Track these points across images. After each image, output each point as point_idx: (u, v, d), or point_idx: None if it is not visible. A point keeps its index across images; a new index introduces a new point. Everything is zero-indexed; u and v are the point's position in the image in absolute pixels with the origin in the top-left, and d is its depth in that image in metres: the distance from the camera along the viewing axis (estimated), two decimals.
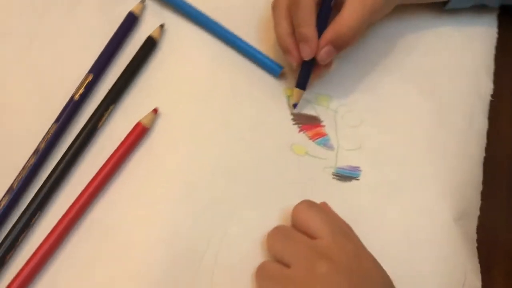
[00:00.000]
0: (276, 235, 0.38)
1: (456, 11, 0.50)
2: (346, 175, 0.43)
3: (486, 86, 0.47)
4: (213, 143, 0.44)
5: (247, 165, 0.43)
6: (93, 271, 0.39)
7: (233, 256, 0.40)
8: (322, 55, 0.42)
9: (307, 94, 0.45)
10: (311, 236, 0.37)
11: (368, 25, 0.43)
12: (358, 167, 0.44)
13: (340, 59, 0.46)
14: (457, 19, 0.50)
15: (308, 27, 0.41)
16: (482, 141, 0.46)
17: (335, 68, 0.47)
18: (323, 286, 0.34)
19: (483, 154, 0.45)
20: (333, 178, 0.43)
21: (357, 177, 0.43)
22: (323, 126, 0.45)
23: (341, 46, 0.42)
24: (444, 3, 0.49)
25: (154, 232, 0.40)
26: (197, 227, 0.40)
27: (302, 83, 0.44)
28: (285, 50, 0.44)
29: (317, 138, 0.45)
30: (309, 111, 0.46)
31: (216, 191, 0.42)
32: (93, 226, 0.41)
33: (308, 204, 0.39)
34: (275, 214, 0.41)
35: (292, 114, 0.45)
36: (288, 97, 0.46)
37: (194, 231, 0.40)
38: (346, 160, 0.44)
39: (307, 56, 0.42)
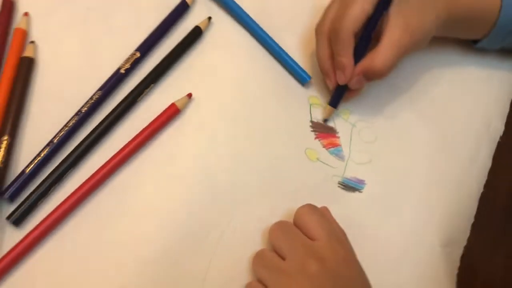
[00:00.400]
0: (279, 228, 0.42)
1: (483, 51, 0.52)
2: (351, 186, 0.47)
3: (496, 127, 0.50)
4: (235, 134, 0.47)
5: (263, 160, 0.46)
6: (110, 229, 0.42)
7: (236, 239, 0.43)
8: (354, 82, 0.46)
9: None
10: (310, 237, 0.40)
11: (403, 58, 0.46)
12: (364, 181, 0.47)
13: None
14: (483, 58, 0.53)
15: (345, 57, 0.45)
16: (482, 177, 0.49)
17: None
18: (311, 283, 0.37)
19: (481, 190, 0.48)
20: (338, 186, 0.47)
21: (360, 189, 0.47)
22: (338, 137, 0.49)
23: (372, 78, 0.45)
24: (475, 41, 0.51)
25: (169, 205, 0.44)
26: (209, 207, 0.44)
27: (334, 103, 0.48)
28: (324, 73, 0.48)
29: (331, 147, 0.48)
30: (327, 121, 0.49)
31: (231, 178, 0.45)
32: (116, 190, 0.44)
33: (310, 207, 0.42)
34: (280, 210, 0.45)
35: (311, 121, 0.49)
36: (311, 105, 0.49)
37: (205, 210, 0.44)
38: (354, 172, 0.47)
39: (342, 82, 0.46)
